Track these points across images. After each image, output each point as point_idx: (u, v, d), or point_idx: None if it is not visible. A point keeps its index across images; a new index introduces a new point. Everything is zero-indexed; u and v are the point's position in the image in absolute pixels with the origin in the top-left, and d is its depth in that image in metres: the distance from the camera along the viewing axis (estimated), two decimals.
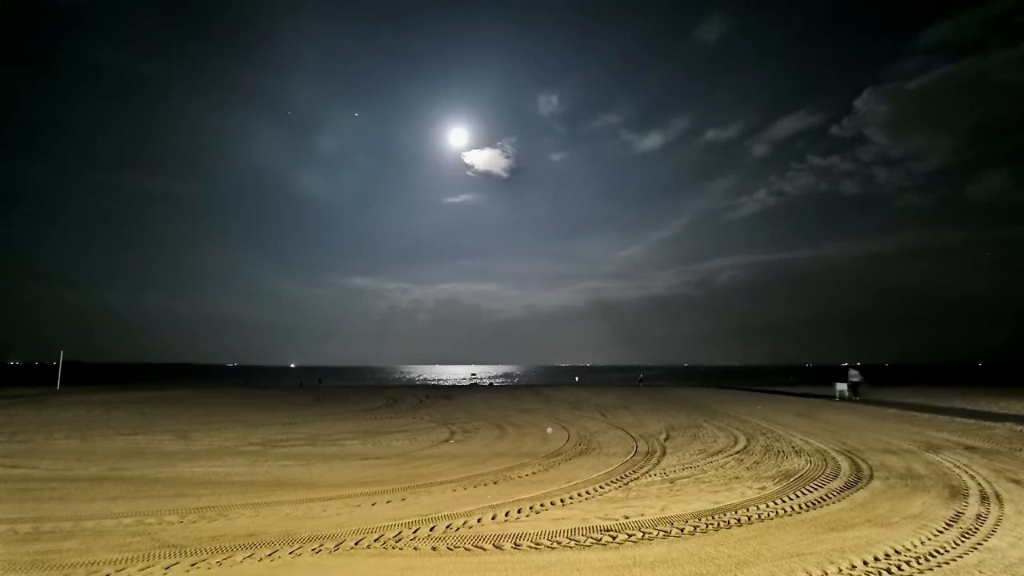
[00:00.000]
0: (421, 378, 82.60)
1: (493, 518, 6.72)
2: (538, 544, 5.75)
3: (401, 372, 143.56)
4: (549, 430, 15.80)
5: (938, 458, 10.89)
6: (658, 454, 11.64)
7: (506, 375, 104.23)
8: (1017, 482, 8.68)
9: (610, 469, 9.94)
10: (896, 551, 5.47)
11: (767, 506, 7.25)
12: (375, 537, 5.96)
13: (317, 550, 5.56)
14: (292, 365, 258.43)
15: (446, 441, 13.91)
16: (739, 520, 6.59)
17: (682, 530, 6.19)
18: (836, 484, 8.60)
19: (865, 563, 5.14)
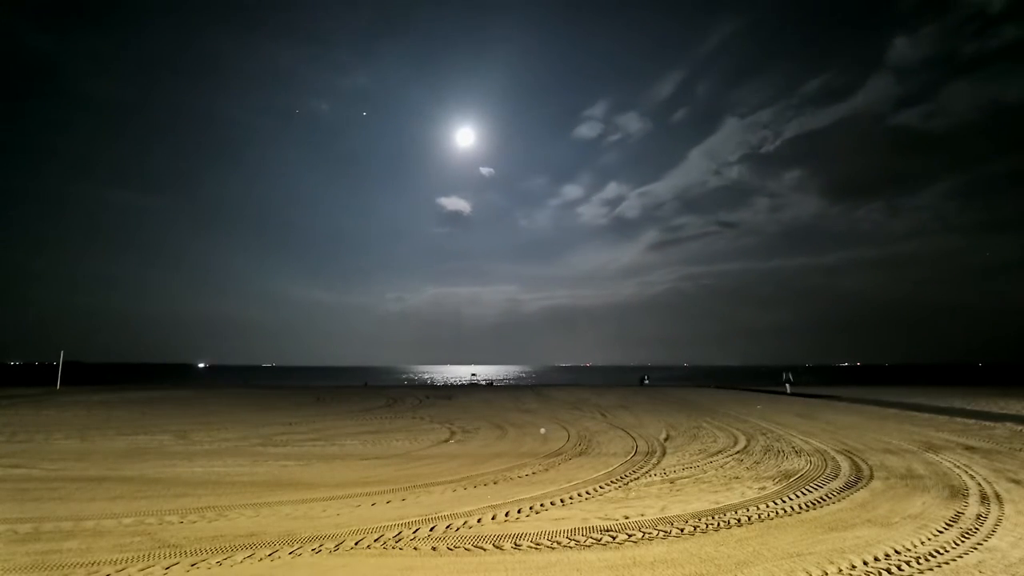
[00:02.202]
0: (421, 378, 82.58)
1: (493, 518, 6.71)
2: (538, 544, 5.75)
3: (401, 372, 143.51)
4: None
5: (938, 458, 10.89)
6: (658, 454, 11.64)
7: (506, 375, 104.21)
8: (1017, 482, 8.67)
9: (610, 469, 9.94)
10: (896, 551, 5.47)
11: (767, 506, 7.25)
12: (375, 537, 5.96)
13: (317, 550, 5.56)
14: (200, 365, 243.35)
15: (446, 441, 13.90)
16: (739, 520, 6.59)
17: (682, 530, 6.18)
18: (836, 484, 8.60)
19: (865, 563, 5.14)
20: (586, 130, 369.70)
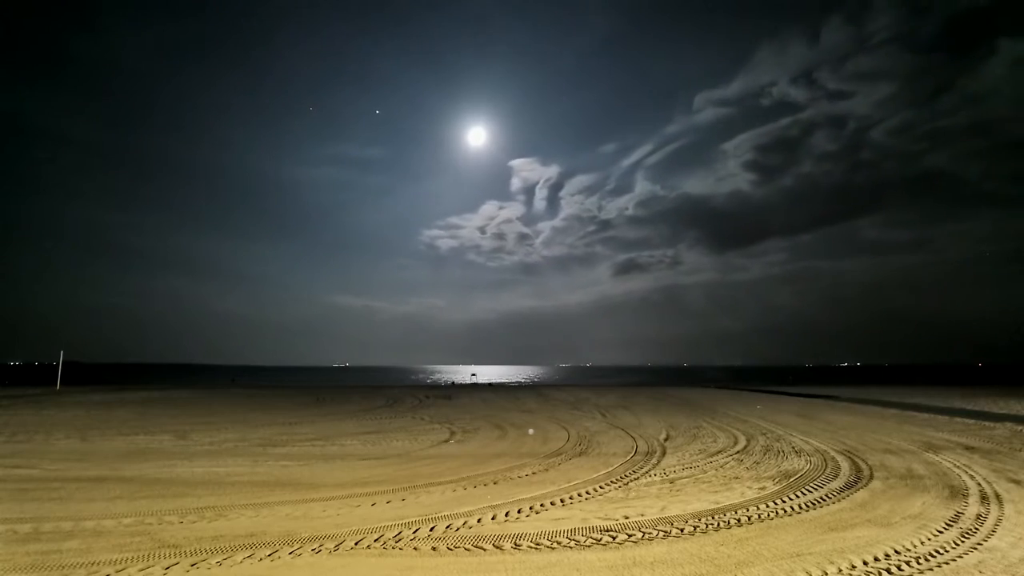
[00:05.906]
0: (420, 378, 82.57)
1: (493, 518, 6.72)
2: (538, 544, 5.75)
3: (401, 373, 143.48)
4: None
5: (938, 458, 10.89)
6: (658, 454, 11.63)
7: (506, 376, 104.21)
8: (1017, 482, 8.68)
9: (610, 469, 9.94)
10: (896, 551, 5.47)
11: (767, 506, 7.25)
12: (375, 537, 5.96)
13: (317, 550, 5.56)
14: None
15: (446, 441, 13.90)
16: (739, 520, 6.59)
17: (682, 530, 6.19)
18: (836, 484, 8.60)
19: (865, 563, 5.14)
20: (493, 209, 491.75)
